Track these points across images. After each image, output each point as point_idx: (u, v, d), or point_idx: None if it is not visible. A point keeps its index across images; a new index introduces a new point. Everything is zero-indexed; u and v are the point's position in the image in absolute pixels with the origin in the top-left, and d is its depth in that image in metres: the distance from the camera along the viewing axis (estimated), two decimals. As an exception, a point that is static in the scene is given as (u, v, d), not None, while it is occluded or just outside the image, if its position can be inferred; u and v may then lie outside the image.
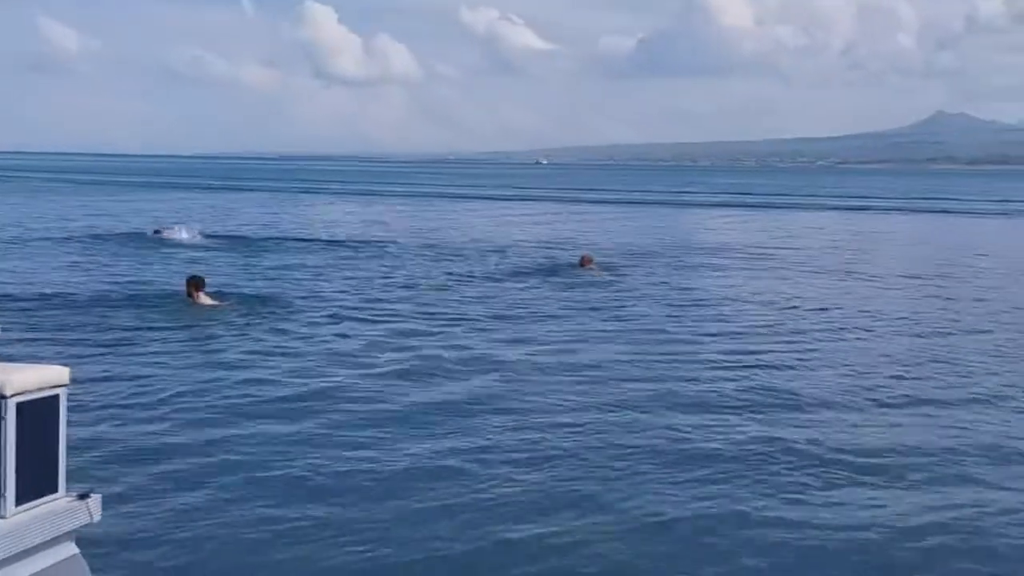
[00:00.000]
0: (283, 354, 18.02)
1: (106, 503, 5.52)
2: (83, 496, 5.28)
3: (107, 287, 25.93)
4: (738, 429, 13.80)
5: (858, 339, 21.13)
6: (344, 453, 12.33)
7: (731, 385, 16.34)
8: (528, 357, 18.22)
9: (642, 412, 14.54)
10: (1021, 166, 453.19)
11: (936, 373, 17.79)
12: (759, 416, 14.47)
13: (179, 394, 14.92)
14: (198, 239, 40.64)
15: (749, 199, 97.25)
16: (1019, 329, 22.83)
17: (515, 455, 12.39)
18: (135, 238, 39.77)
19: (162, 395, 14.84)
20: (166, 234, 40.89)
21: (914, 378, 17.35)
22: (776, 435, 13.49)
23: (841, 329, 22.26)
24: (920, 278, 32.94)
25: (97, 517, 5.33)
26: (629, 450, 12.64)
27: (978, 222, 70.04)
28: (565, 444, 12.87)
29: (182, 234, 41.34)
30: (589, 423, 13.93)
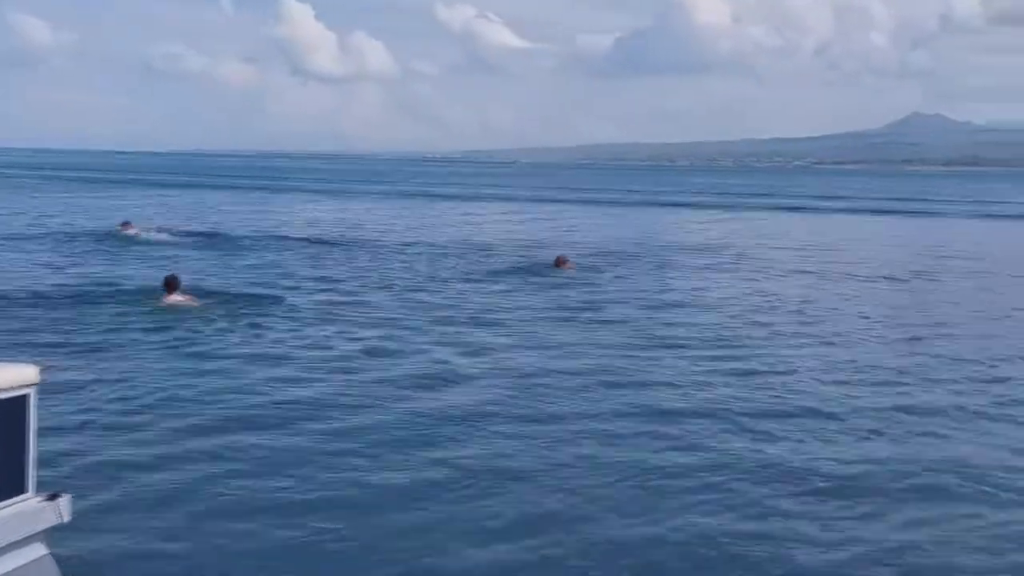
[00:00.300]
0: (261, 357, 17.93)
1: (79, 515, 5.52)
2: (53, 497, 5.30)
3: (80, 285, 25.75)
4: (711, 437, 13.85)
5: (832, 343, 21.22)
6: (328, 461, 12.31)
7: (704, 391, 16.45)
8: (505, 361, 18.25)
9: (616, 418, 14.58)
10: (994, 167, 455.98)
11: (909, 380, 17.85)
12: (733, 423, 14.53)
13: (155, 396, 14.82)
14: (169, 236, 40.45)
15: (726, 199, 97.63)
16: (994, 335, 23.07)
17: (499, 464, 12.36)
18: (109, 236, 39.57)
19: (137, 398, 14.72)
20: (136, 230, 40.65)
21: (886, 383, 17.46)
22: (749, 445, 13.58)
23: (816, 332, 22.40)
24: (893, 280, 33.19)
25: (67, 518, 5.35)
26: (603, 462, 12.62)
27: (953, 224, 70.47)
28: (543, 453, 12.88)
29: (153, 232, 41.14)
30: (561, 429, 13.97)
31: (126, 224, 41.37)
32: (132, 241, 38.41)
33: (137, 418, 13.73)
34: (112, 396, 14.81)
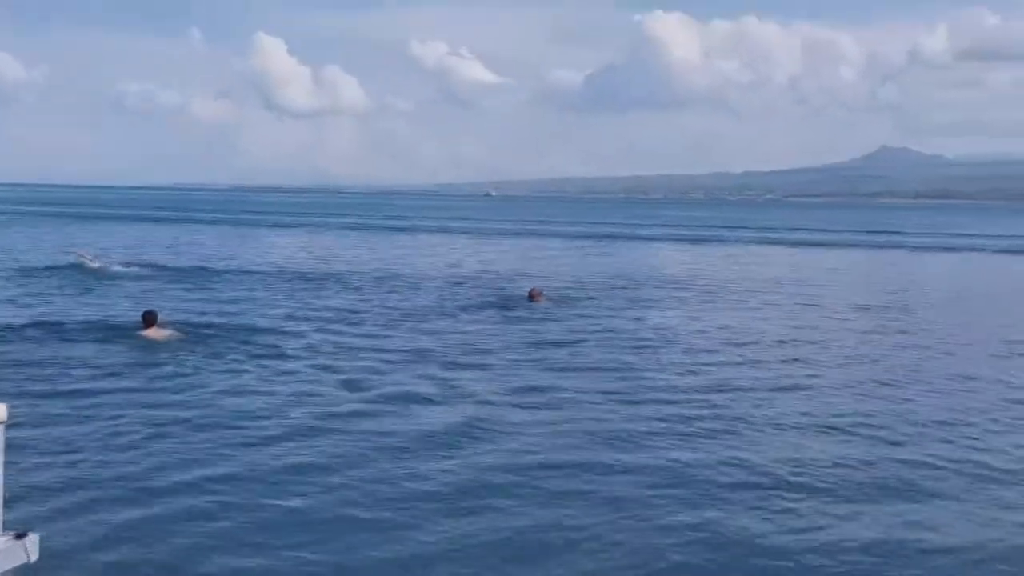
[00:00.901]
0: (241, 391, 17.92)
1: (50, 556, 5.45)
2: (20, 535, 5.22)
3: (53, 322, 25.45)
4: (689, 463, 13.88)
5: (808, 379, 21.25)
6: (306, 491, 12.30)
7: (680, 424, 16.49)
8: (479, 393, 18.28)
9: (591, 448, 14.62)
10: (962, 200, 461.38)
11: (882, 410, 17.97)
12: (705, 447, 14.61)
13: (132, 434, 14.71)
14: (142, 270, 40.26)
15: (698, 232, 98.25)
16: (957, 359, 23.25)
17: (477, 498, 12.38)
18: (81, 271, 39.33)
19: (114, 435, 14.63)
20: (100, 263, 40.42)
21: (857, 413, 17.55)
22: (723, 461, 13.61)
23: (793, 360, 22.61)
24: (865, 310, 33.43)
25: (34, 557, 5.28)
26: (578, 492, 12.71)
27: (921, 257, 71.10)
28: (525, 483, 12.92)
29: (117, 265, 40.89)
30: (538, 462, 13.98)
31: (87, 255, 41.14)
32: (104, 275, 38.18)
33: (112, 456, 13.62)
34: (86, 432, 14.68)
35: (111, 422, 15.28)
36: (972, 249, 78.91)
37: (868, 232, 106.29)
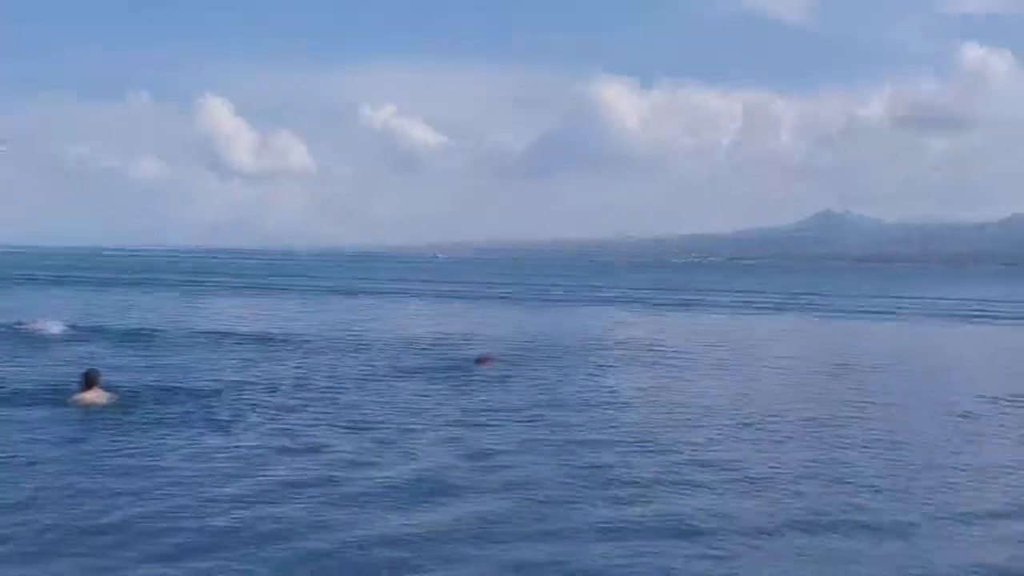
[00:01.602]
0: (181, 454, 17.62)
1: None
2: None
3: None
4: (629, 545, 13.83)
5: (748, 438, 21.38)
6: (245, 555, 12.12)
7: (621, 485, 16.44)
8: (425, 458, 18.11)
9: (549, 511, 14.50)
10: (903, 263, 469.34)
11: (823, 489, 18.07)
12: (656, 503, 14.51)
13: (72, 505, 14.37)
14: (80, 332, 39.58)
15: (643, 295, 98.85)
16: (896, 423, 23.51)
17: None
18: (13, 333, 38.62)
19: (48, 504, 14.27)
20: (36, 326, 39.71)
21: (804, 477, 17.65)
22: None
23: (737, 425, 22.66)
24: (810, 374, 33.75)
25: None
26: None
27: (863, 324, 72.03)
28: (469, 552, 12.80)
29: (55, 327, 40.14)
30: (482, 531, 13.83)
31: (21, 324, 40.39)
32: (41, 338, 37.46)
33: (45, 522, 13.28)
34: (15, 503, 14.28)
35: (37, 492, 14.89)
36: (912, 313, 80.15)
37: (807, 294, 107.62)
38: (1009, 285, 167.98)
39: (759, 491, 16.37)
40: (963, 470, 18.55)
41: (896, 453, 20.00)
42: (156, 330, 42.90)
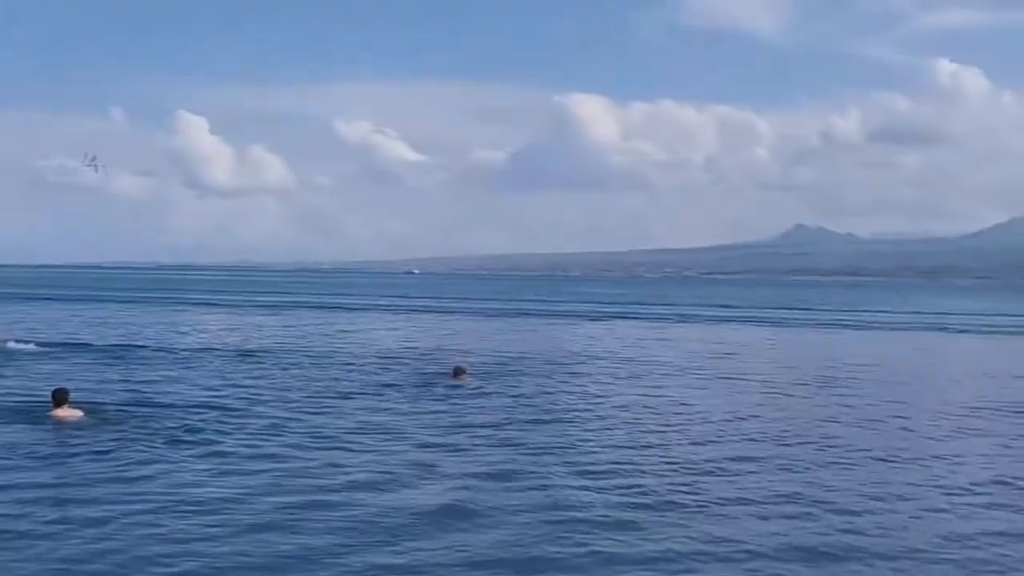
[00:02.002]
0: (151, 476, 17.35)
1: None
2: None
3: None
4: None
5: (730, 453, 21.44)
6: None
7: (600, 499, 16.44)
8: (403, 474, 18.07)
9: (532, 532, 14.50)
10: (875, 277, 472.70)
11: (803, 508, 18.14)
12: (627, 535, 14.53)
13: (44, 527, 14.20)
14: (51, 349, 39.33)
15: (618, 308, 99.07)
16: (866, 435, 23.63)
17: None
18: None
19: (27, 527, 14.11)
20: (11, 343, 39.49)
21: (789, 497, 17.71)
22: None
23: (715, 437, 22.69)
24: (791, 385, 33.86)
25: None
26: None
27: (834, 334, 72.40)
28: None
29: (28, 345, 39.95)
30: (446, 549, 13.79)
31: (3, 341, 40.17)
32: (9, 355, 37.13)
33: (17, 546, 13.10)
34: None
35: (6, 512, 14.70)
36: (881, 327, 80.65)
37: (783, 308, 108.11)
38: (983, 300, 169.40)
39: (735, 517, 16.45)
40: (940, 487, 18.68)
41: (878, 464, 20.10)
42: (130, 347, 42.64)
